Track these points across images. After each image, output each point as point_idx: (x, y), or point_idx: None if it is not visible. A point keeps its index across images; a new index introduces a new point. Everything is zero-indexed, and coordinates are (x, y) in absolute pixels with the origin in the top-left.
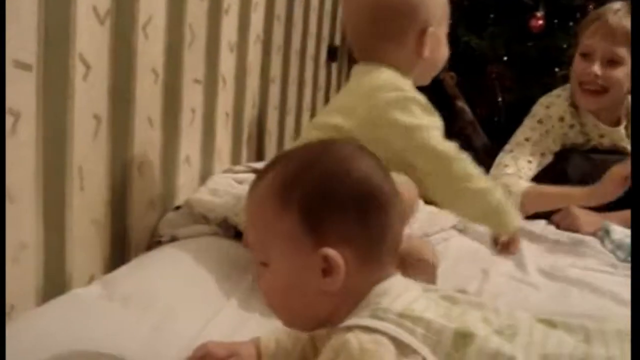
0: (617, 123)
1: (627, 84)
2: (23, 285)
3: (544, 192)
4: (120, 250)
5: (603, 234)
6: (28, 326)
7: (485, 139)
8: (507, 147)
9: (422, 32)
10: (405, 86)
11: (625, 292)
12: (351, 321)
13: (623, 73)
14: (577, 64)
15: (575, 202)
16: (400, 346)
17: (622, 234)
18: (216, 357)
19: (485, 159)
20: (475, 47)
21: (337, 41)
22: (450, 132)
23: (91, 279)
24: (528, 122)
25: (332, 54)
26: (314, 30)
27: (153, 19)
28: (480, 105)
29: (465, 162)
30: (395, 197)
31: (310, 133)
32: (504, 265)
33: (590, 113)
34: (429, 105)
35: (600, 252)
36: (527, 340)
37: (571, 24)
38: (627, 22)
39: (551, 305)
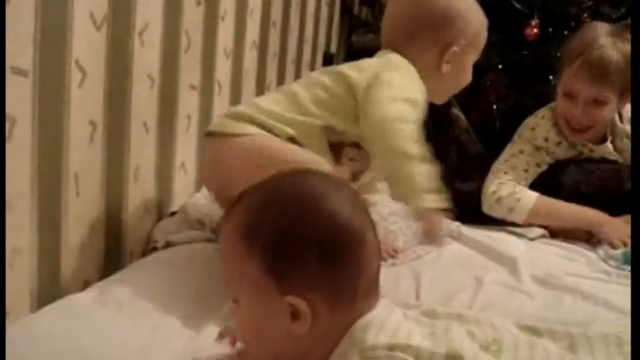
0: (602, 140)
1: (612, 116)
2: (18, 290)
3: (555, 207)
4: (115, 256)
5: (595, 242)
6: (23, 332)
7: (479, 147)
8: (502, 157)
9: (446, 47)
10: (417, 82)
11: (619, 300)
12: None
13: (608, 111)
14: (561, 103)
15: (588, 225)
16: None
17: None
18: None
19: (480, 166)
20: None
21: (333, 48)
22: (445, 140)
23: (86, 285)
24: (518, 139)
25: (328, 60)
26: (310, 37)
27: (149, 25)
28: (475, 113)
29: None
30: (368, 231)
31: (320, 76)
32: (497, 272)
33: None
34: (421, 107)
35: (593, 260)
36: (513, 357)
37: (566, 32)
38: (611, 58)
39: (545, 313)
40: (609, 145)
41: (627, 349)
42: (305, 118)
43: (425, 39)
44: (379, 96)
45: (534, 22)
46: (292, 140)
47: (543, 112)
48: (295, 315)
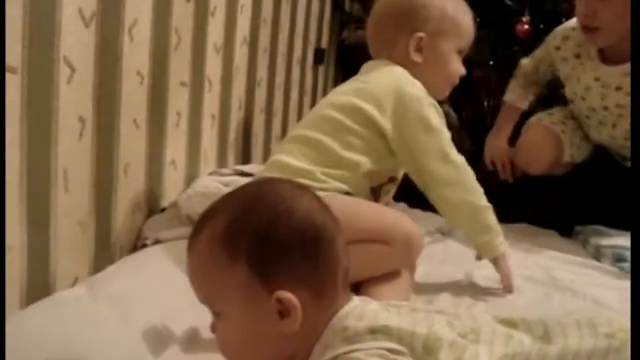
0: (623, 60)
1: (625, 18)
2: (7, 287)
3: None
4: (105, 252)
5: (583, 239)
6: (12, 329)
7: (470, 143)
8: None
9: (410, 36)
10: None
11: (608, 297)
12: (331, 353)
13: (616, 7)
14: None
15: None
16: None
17: (600, 240)
18: None
19: (470, 163)
20: None
21: (324, 44)
22: None
23: (76, 281)
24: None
25: (319, 57)
26: (301, 33)
27: (139, 22)
28: (466, 110)
29: (473, 176)
30: (338, 230)
31: (327, 112)
32: (488, 269)
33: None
34: (441, 111)
35: (584, 257)
36: (489, 347)
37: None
38: None
39: (534, 309)
40: (624, 68)
41: (601, 330)
42: (348, 170)
43: (390, 32)
44: (422, 146)
45: (525, 19)
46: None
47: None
48: (283, 313)
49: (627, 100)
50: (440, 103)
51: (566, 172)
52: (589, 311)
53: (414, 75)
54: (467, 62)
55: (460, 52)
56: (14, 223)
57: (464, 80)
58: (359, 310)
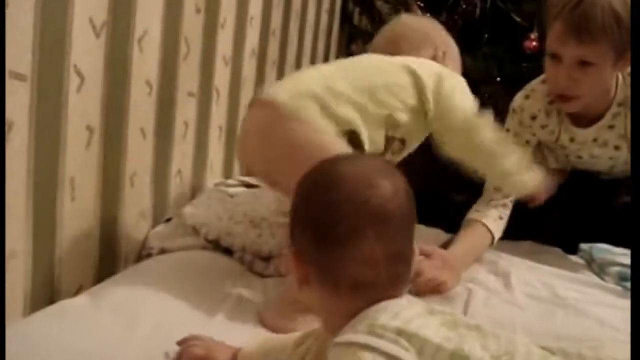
0: (597, 119)
1: (604, 83)
2: (11, 294)
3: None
4: (110, 261)
5: (588, 257)
6: (15, 337)
7: None
8: None
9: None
10: None
11: (611, 316)
12: (349, 336)
13: (597, 75)
14: (547, 67)
15: None
16: None
17: (604, 258)
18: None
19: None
20: (469, 67)
21: (332, 58)
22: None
23: (80, 290)
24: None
25: None
26: (310, 46)
27: (149, 32)
28: None
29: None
30: (354, 236)
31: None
32: (490, 283)
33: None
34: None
35: (587, 274)
36: None
37: None
38: (597, 11)
39: (536, 326)
40: (595, 128)
41: None
42: (375, 105)
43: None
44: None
45: (533, 36)
46: (352, 133)
47: (534, 85)
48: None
49: (613, 153)
50: None
51: (564, 179)
52: (625, 347)
53: None
54: (475, 77)
55: None
56: (20, 230)
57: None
58: (397, 309)
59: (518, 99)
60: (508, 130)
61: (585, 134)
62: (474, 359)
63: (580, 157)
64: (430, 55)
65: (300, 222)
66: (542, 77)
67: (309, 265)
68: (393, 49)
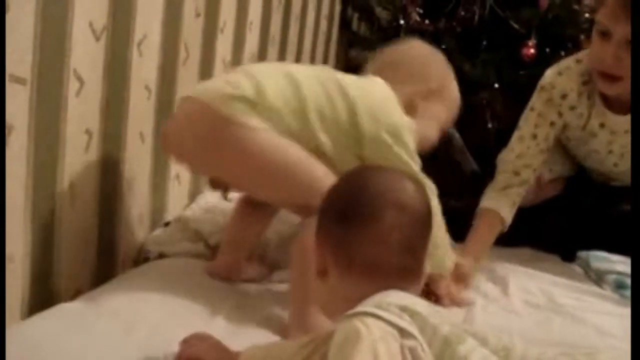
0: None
1: None
2: (8, 297)
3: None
4: (107, 265)
5: (585, 265)
6: (13, 339)
7: (474, 165)
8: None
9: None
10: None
11: (608, 323)
12: (355, 309)
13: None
14: (594, 45)
15: None
16: (402, 332)
17: (601, 265)
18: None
19: (474, 185)
20: (467, 73)
21: (331, 63)
22: (439, 158)
23: (77, 294)
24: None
25: None
26: (308, 52)
27: (148, 36)
28: (470, 132)
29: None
30: (373, 217)
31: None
32: (488, 291)
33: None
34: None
35: (585, 282)
36: None
37: (562, 53)
38: None
39: (534, 333)
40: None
41: None
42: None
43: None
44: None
45: (531, 42)
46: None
47: (569, 62)
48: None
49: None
50: None
51: (561, 189)
52: (622, 355)
53: None
54: (473, 83)
55: None
56: (18, 233)
57: (468, 101)
58: (402, 295)
59: (549, 76)
60: (532, 109)
61: (620, 122)
62: (469, 343)
63: (596, 151)
64: (413, 91)
65: (327, 209)
66: (576, 55)
67: (326, 248)
68: (383, 72)
